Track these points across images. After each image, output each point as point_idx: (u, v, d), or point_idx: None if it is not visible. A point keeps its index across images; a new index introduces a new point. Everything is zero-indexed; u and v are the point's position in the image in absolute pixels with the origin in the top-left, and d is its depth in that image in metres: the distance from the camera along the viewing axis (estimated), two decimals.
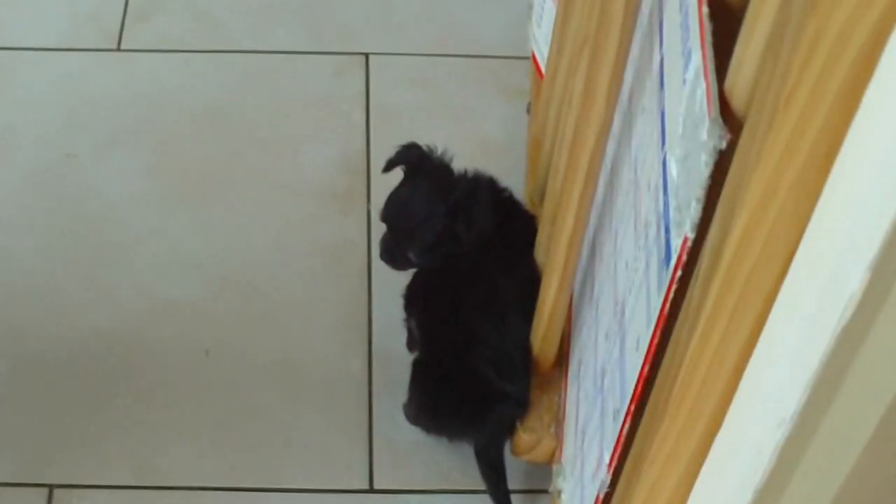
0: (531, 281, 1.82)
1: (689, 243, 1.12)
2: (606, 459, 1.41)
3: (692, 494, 1.12)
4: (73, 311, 2.07)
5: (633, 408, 1.31)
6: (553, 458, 1.83)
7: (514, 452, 1.85)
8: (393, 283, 1.97)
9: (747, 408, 0.99)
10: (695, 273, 1.05)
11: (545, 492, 1.91)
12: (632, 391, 1.31)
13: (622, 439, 1.35)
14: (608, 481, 1.40)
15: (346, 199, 2.26)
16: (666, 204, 1.23)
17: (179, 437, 1.94)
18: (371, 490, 1.92)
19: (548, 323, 1.79)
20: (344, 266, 2.17)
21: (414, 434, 1.94)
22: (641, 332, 1.30)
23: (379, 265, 2.11)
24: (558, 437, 1.81)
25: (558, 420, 1.83)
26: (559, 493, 1.74)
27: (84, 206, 2.21)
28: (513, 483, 1.90)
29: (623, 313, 1.43)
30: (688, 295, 1.06)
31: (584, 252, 1.74)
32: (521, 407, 1.81)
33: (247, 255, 2.17)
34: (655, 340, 1.22)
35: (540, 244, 1.92)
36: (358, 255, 2.18)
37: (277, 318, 2.10)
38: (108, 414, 1.96)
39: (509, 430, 1.82)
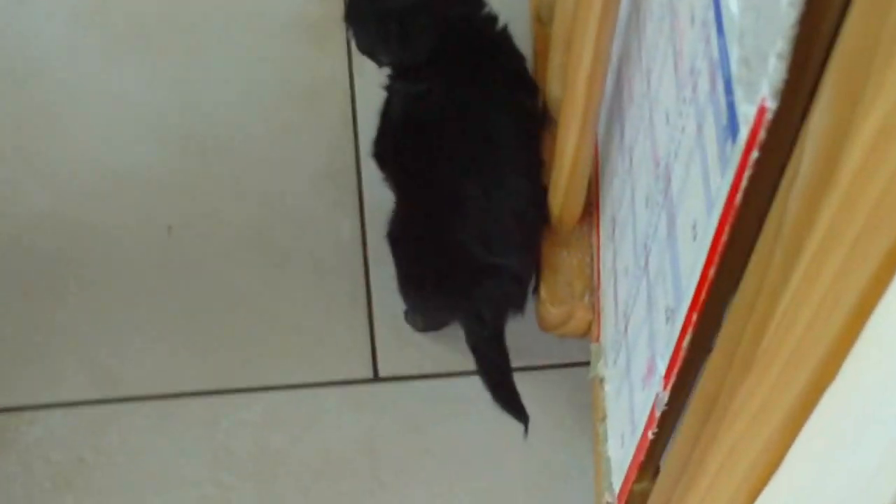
0: (527, 124, 1.49)
1: (768, 114, 0.78)
2: (661, 370, 1.10)
3: (790, 459, 0.81)
4: (1, 193, 1.74)
5: (694, 316, 0.99)
6: (590, 331, 1.53)
7: (543, 328, 1.55)
8: None
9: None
10: (788, 168, 0.71)
11: (583, 364, 1.61)
12: (692, 294, 0.99)
13: (681, 353, 1.03)
14: (666, 398, 1.09)
15: (320, 29, 1.90)
16: (723, 50, 0.89)
17: (145, 337, 1.64)
18: (376, 378, 1.63)
19: (570, 172, 1.46)
20: (324, 110, 1.83)
21: None
22: (699, 218, 0.97)
23: (364, 105, 1.79)
24: (594, 308, 1.50)
25: (592, 287, 1.52)
26: (601, 380, 1.44)
27: (5, 62, 1.86)
28: (543, 356, 1.61)
29: (668, 180, 1.10)
30: (777, 201, 0.72)
31: (609, 83, 1.40)
32: (518, 282, 1.49)
33: (207, 106, 1.83)
34: (722, 237, 0.90)
35: (553, 74, 1.58)
36: (339, 96, 1.84)
37: (249, 180, 1.77)
38: (56, 315, 1.65)
39: (506, 310, 1.50)
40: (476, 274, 1.46)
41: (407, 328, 1.64)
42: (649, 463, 1.23)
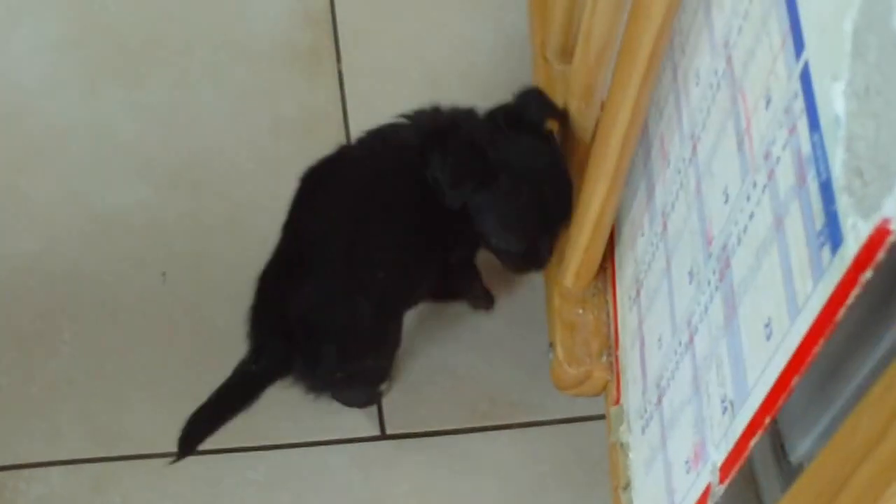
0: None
1: (892, 237, 0.74)
2: (716, 461, 1.06)
3: None
4: None
5: (766, 420, 0.95)
6: (605, 390, 1.49)
7: (560, 387, 1.52)
8: None
9: None
10: None
11: (592, 418, 1.58)
12: (764, 396, 0.95)
13: (746, 451, 1.00)
14: (721, 492, 1.06)
15: (310, 58, 1.85)
16: (818, 148, 0.85)
17: (143, 391, 1.59)
18: (383, 436, 1.60)
19: (592, 231, 1.43)
20: (317, 142, 1.74)
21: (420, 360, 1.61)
22: (776, 318, 0.93)
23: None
24: (612, 369, 1.47)
25: (609, 346, 1.48)
26: (623, 445, 1.41)
27: None
28: (554, 411, 1.58)
29: (726, 263, 1.07)
30: None
31: None
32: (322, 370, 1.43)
33: (196, 141, 1.77)
34: (814, 348, 0.86)
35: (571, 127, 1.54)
36: (332, 127, 1.80)
37: (243, 218, 1.72)
38: (52, 367, 1.60)
39: (287, 376, 1.43)
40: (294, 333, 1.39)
41: (414, 385, 1.60)
42: None
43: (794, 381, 0.90)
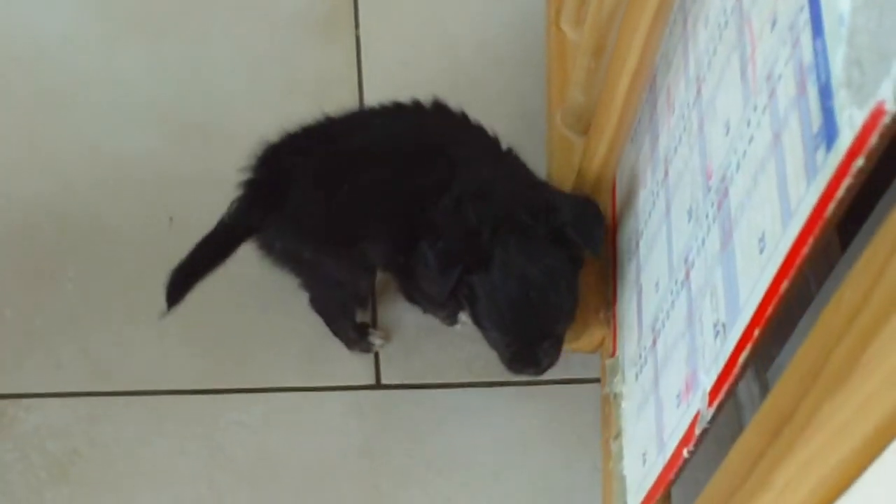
0: None
1: (886, 118, 0.75)
2: (706, 386, 1.08)
3: (864, 479, 0.80)
4: (3, 174, 1.70)
5: (756, 332, 0.97)
6: (602, 346, 1.51)
7: None
8: None
9: None
10: None
11: (587, 381, 1.59)
12: (754, 309, 0.97)
13: (735, 369, 1.01)
14: (709, 416, 1.07)
15: (328, 22, 1.87)
16: (820, 53, 0.87)
17: (144, 330, 1.60)
18: (378, 385, 1.61)
19: (595, 182, 1.45)
20: (331, 103, 1.77)
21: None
22: (769, 230, 0.95)
23: (372, 98, 1.74)
24: (610, 324, 1.48)
25: (607, 302, 1.50)
26: (616, 396, 1.42)
27: (10, 48, 1.82)
28: (549, 372, 1.58)
29: (724, 192, 1.08)
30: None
31: None
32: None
33: (211, 96, 1.80)
34: (803, 249, 0.88)
35: (576, 80, 1.56)
36: (346, 89, 1.81)
37: None
38: (56, 303, 1.61)
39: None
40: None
41: (411, 339, 1.61)
42: (674, 481, 1.21)
43: (784, 285, 0.91)
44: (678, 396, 1.17)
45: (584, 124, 1.54)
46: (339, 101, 1.77)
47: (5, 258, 1.63)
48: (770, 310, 0.94)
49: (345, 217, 1.43)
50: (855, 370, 0.73)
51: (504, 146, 1.47)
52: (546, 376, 1.52)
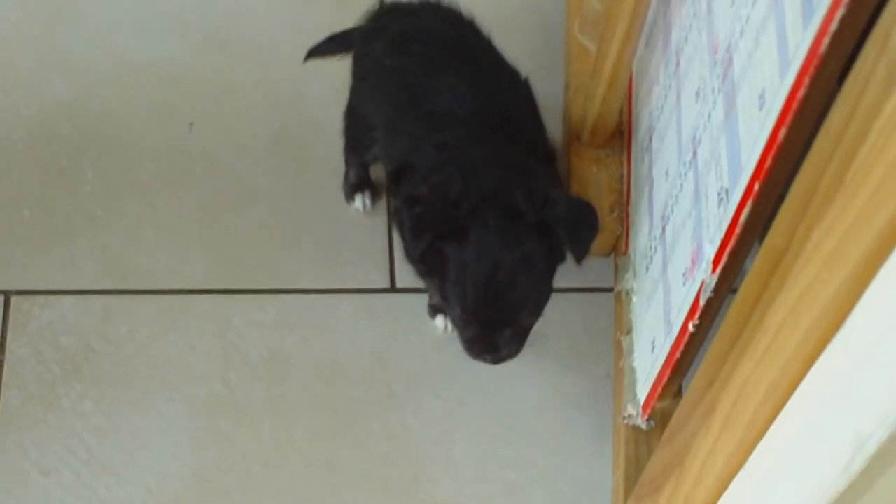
0: None
1: None
2: (710, 255, 1.07)
3: (858, 311, 0.79)
4: (24, 81, 1.71)
5: (756, 186, 0.96)
6: (616, 248, 1.50)
7: None
8: None
9: None
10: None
11: (601, 290, 1.59)
12: (755, 164, 0.96)
13: (736, 229, 1.00)
14: (713, 284, 1.06)
15: None
16: None
17: (159, 230, 1.61)
18: (392, 289, 1.60)
19: (609, 81, 1.44)
20: (354, 16, 1.78)
21: None
22: (769, 85, 0.94)
23: None
24: (623, 224, 1.48)
25: (621, 203, 1.49)
26: (627, 293, 1.41)
27: None
28: (566, 280, 1.57)
29: (729, 62, 1.08)
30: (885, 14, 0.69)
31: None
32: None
33: (233, 5, 1.80)
34: (800, 91, 0.87)
35: None
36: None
37: (273, 81, 1.74)
38: (73, 203, 1.62)
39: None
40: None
41: None
42: (682, 366, 1.20)
43: (781, 133, 0.90)
44: (684, 274, 1.16)
45: (601, 31, 1.53)
46: (360, 10, 1.77)
47: (25, 160, 1.64)
48: (769, 161, 0.93)
49: (380, 94, 1.46)
50: (839, 191, 0.72)
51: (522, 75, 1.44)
52: (563, 283, 1.51)
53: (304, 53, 1.67)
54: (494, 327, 1.32)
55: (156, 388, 1.51)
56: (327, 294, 1.58)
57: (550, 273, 1.32)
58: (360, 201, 1.62)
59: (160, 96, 1.70)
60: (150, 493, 1.44)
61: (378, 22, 1.51)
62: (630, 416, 1.33)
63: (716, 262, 1.05)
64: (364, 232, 1.62)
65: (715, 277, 1.05)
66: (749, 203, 0.97)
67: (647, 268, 1.34)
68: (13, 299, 1.54)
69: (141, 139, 1.67)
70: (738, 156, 1.01)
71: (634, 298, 1.39)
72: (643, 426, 1.31)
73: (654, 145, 1.37)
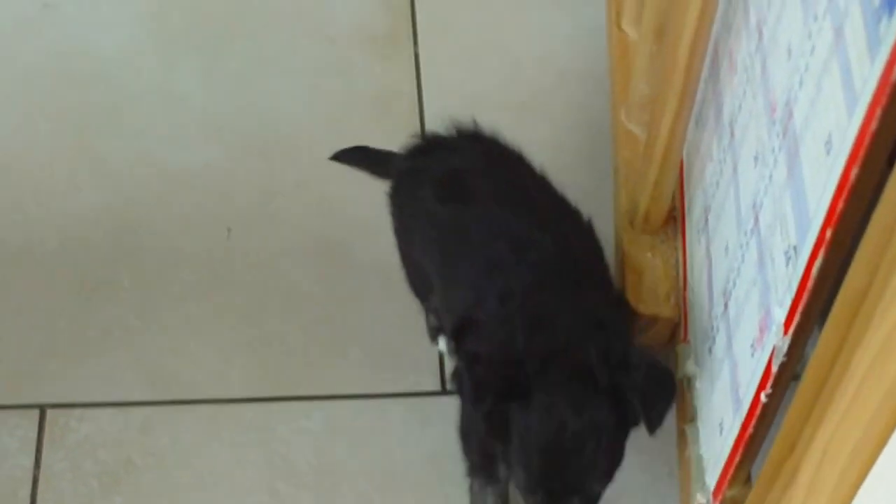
0: None
1: None
2: (780, 318, 1.00)
3: None
4: (60, 188, 1.68)
5: (828, 233, 0.90)
6: (673, 338, 1.43)
7: None
8: None
9: None
10: None
11: None
12: (825, 211, 0.90)
13: (808, 284, 0.94)
14: (785, 347, 1.00)
15: (387, 40, 1.85)
16: None
17: (200, 338, 1.56)
18: (443, 391, 1.53)
19: (661, 165, 1.39)
20: (390, 120, 1.76)
21: None
22: (836, 127, 0.89)
23: (432, 116, 1.74)
24: (680, 310, 1.41)
25: (678, 289, 1.43)
26: (689, 379, 1.34)
27: (69, 63, 1.80)
28: None
29: (789, 117, 1.02)
30: None
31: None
32: None
33: (269, 111, 1.77)
34: (871, 125, 0.81)
35: (639, 72, 1.52)
36: (406, 106, 1.78)
37: (313, 185, 1.69)
38: (110, 312, 1.57)
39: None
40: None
41: None
42: (753, 445, 1.13)
43: (853, 173, 0.85)
44: (752, 346, 1.09)
45: (650, 115, 1.49)
46: (399, 117, 1.76)
47: (60, 270, 1.60)
48: (841, 204, 0.87)
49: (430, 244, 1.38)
50: None
51: (584, 217, 1.35)
52: None
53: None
54: (560, 495, 1.19)
55: (200, 501, 1.44)
56: (376, 399, 1.52)
57: (622, 438, 1.20)
58: (443, 343, 1.53)
59: (198, 202, 1.66)
60: None
61: (419, 161, 1.43)
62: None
63: (787, 324, 0.99)
64: (412, 335, 1.56)
65: (787, 340, 0.99)
66: (821, 254, 0.90)
67: (710, 349, 1.27)
68: (49, 413, 1.49)
69: (179, 246, 1.62)
70: (805, 209, 0.95)
71: (697, 384, 1.32)
72: None
73: (710, 224, 1.31)
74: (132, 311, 1.57)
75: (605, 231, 1.52)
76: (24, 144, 1.72)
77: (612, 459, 1.20)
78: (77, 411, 1.49)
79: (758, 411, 1.06)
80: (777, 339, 1.00)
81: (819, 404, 0.83)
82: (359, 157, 1.64)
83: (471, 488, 1.43)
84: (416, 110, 1.77)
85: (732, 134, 1.24)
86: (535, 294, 1.25)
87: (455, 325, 1.33)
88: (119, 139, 1.72)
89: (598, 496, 1.21)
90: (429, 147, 1.44)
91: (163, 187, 1.67)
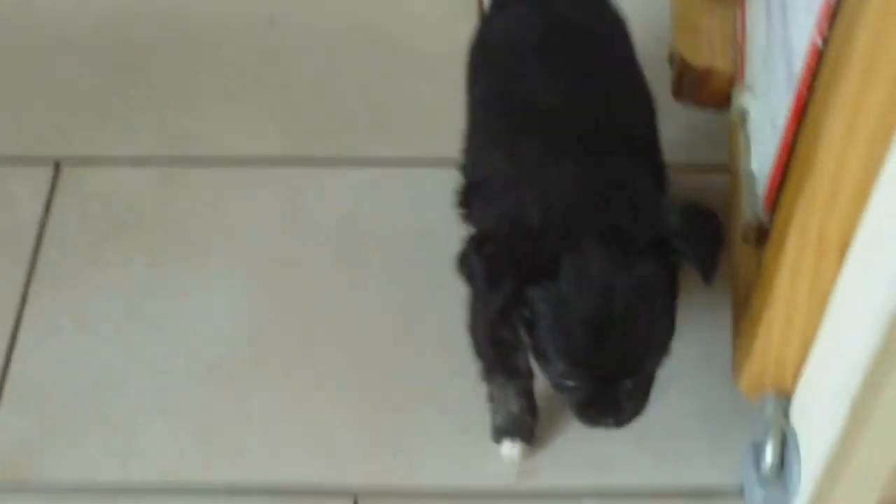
0: None
1: None
2: None
3: None
4: None
5: None
6: (726, 92, 1.32)
7: (677, 93, 1.35)
8: None
9: None
10: None
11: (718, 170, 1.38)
12: None
13: None
14: None
15: None
16: None
17: (229, 102, 1.50)
18: None
19: None
20: None
21: None
22: None
23: None
24: (736, 62, 1.31)
25: (734, 43, 1.33)
26: (742, 114, 1.24)
27: None
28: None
29: None
30: None
31: None
32: None
33: None
34: None
35: None
36: None
37: None
38: (140, 85, 1.52)
39: None
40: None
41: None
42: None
43: None
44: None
45: None
46: None
47: (95, 48, 1.56)
48: None
49: None
50: None
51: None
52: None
53: None
54: (612, 380, 1.01)
55: (215, 248, 1.37)
56: (406, 167, 1.43)
57: (674, 297, 1.01)
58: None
59: None
60: (194, 349, 1.29)
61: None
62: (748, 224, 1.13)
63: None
64: (443, 107, 1.44)
65: None
66: None
67: (765, 59, 1.17)
68: (65, 167, 1.43)
69: (219, 34, 1.57)
70: None
71: (752, 113, 1.21)
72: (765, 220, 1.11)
73: None
74: (164, 84, 1.52)
75: None
76: None
77: (668, 328, 1.01)
78: (92, 170, 1.44)
79: (813, 61, 0.95)
80: None
81: None
82: None
83: (490, 396, 1.22)
84: None
85: None
86: (553, 153, 1.06)
87: (462, 187, 1.18)
88: None
89: (653, 376, 1.04)
90: None
91: None
